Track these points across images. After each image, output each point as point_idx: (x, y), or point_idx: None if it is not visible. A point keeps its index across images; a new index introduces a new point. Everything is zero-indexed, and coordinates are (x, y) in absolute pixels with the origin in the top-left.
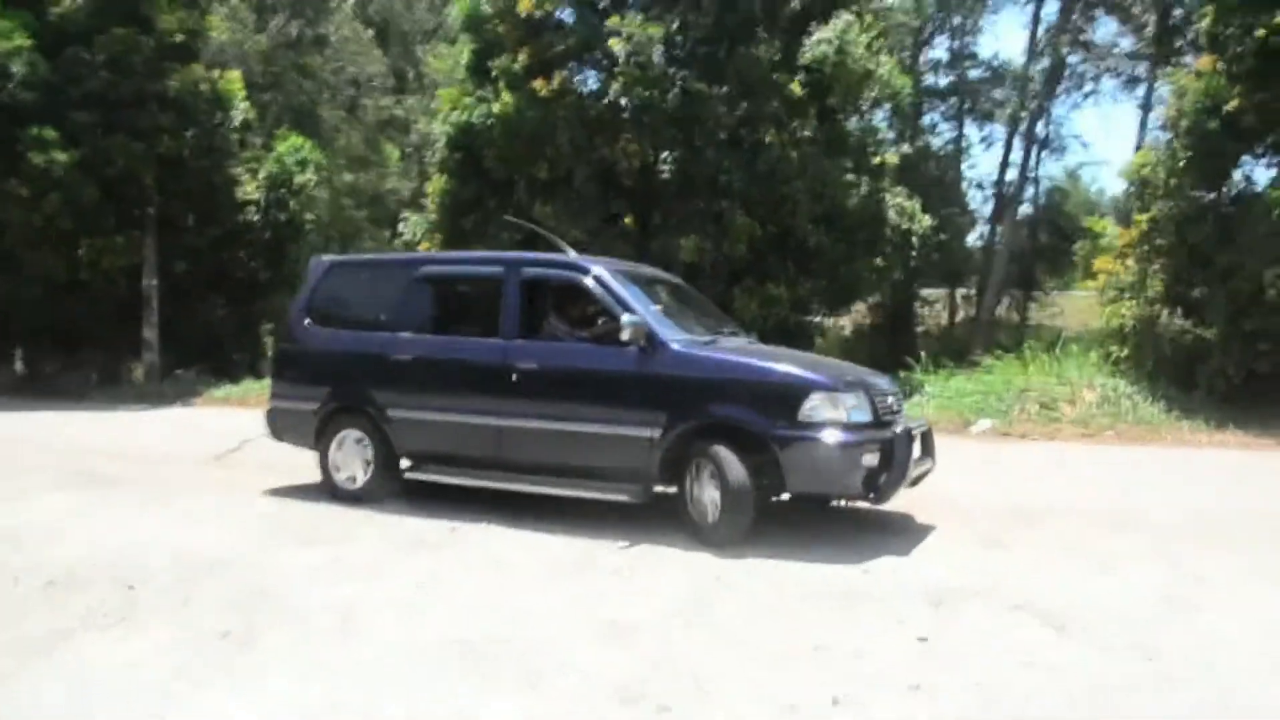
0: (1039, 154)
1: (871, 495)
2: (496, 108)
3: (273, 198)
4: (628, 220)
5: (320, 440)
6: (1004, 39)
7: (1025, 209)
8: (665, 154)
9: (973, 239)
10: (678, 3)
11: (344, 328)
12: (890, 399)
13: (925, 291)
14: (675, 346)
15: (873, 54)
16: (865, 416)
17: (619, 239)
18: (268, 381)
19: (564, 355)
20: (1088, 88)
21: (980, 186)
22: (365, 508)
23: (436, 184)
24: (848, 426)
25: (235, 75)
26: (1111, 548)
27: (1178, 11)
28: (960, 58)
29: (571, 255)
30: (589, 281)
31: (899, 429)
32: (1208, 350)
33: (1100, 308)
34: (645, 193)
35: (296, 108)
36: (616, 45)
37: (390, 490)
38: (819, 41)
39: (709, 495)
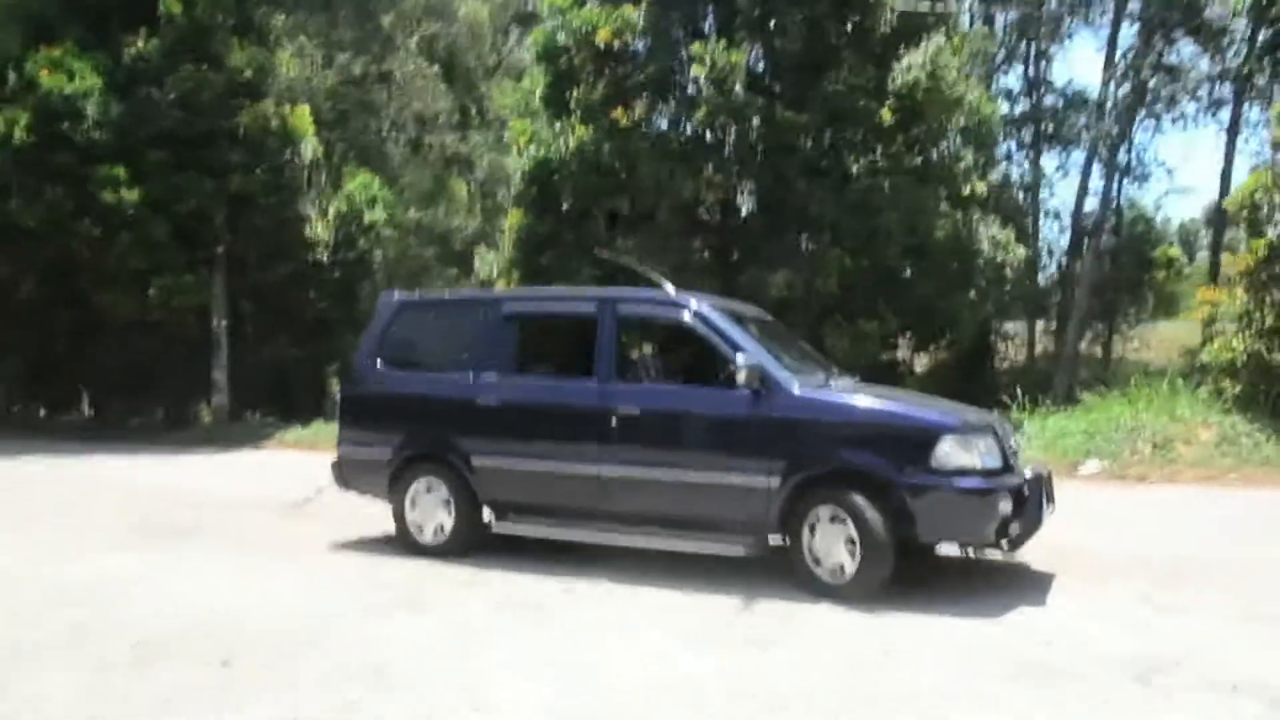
0: (1120, 182)
1: (1004, 544)
2: (574, 141)
3: (342, 236)
4: (710, 255)
5: (394, 491)
6: (1076, 66)
7: (1106, 239)
8: (750, 185)
9: (1050, 270)
10: (762, 29)
11: (419, 369)
12: (1013, 441)
13: (1002, 326)
14: (792, 389)
15: (964, 79)
16: (996, 461)
17: (704, 275)
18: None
19: (669, 398)
20: (1172, 113)
21: (1057, 216)
22: (456, 564)
23: (513, 219)
24: (981, 473)
25: (304, 110)
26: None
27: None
28: (1035, 84)
29: (671, 291)
30: (692, 319)
31: (1029, 473)
32: None
33: (1205, 341)
34: (730, 226)
35: (363, 145)
36: (699, 72)
37: (472, 544)
38: (910, 67)
39: (835, 547)
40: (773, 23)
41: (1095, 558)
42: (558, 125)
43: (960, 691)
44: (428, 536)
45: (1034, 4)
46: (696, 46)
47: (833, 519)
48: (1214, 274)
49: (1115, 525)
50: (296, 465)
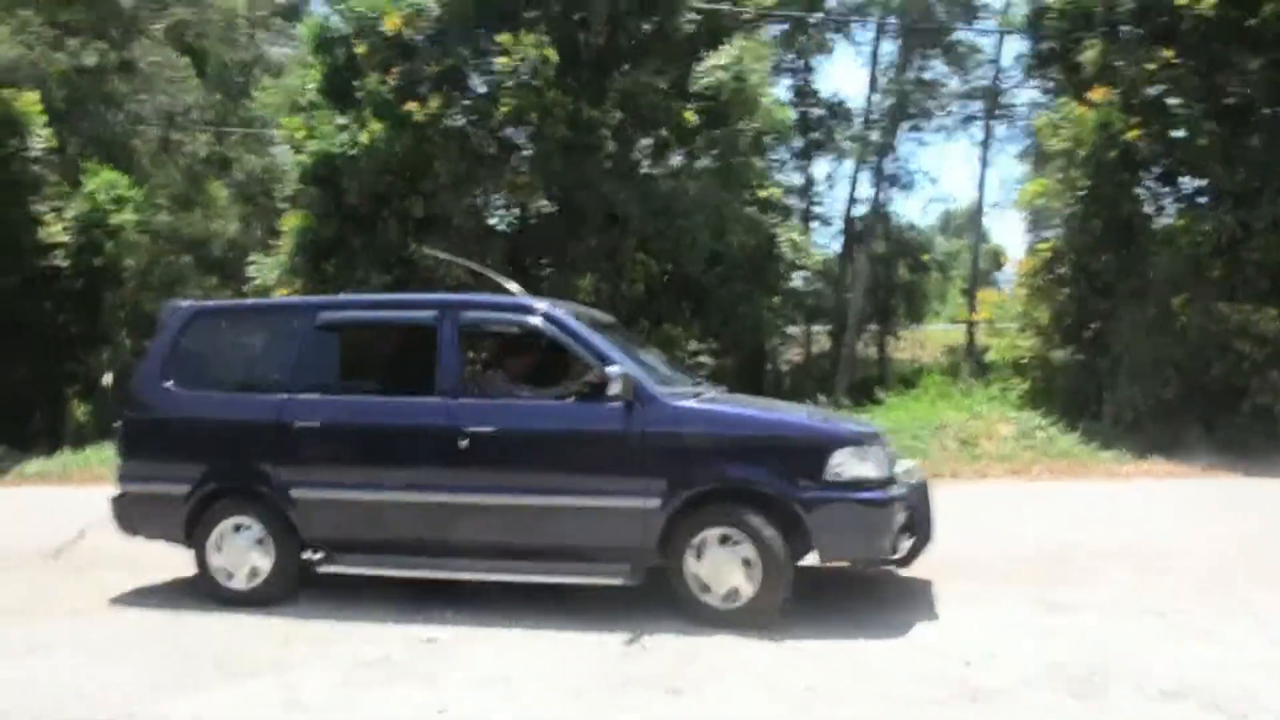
0: (886, 190)
1: (898, 558)
2: (364, 136)
3: (83, 240)
4: (511, 259)
5: (195, 532)
6: (839, 79)
7: (877, 244)
8: (554, 187)
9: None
10: (565, 23)
11: (219, 389)
12: (892, 449)
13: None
14: (669, 400)
15: (764, 83)
16: (886, 471)
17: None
18: (90, 454)
19: (528, 416)
20: (932, 125)
21: (828, 223)
22: (277, 614)
23: (291, 222)
24: (877, 483)
25: (31, 96)
26: (1172, 601)
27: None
28: (803, 94)
29: (520, 295)
30: (548, 326)
31: (914, 481)
32: (1113, 380)
33: (991, 339)
34: (531, 229)
35: (105, 140)
36: (505, 64)
37: (292, 589)
38: (713, 68)
39: (728, 571)
40: (577, 16)
41: (961, 560)
42: (340, 120)
43: None
44: (239, 583)
45: (801, 22)
46: (504, 37)
47: (724, 540)
48: (973, 278)
49: (961, 524)
50: (47, 504)
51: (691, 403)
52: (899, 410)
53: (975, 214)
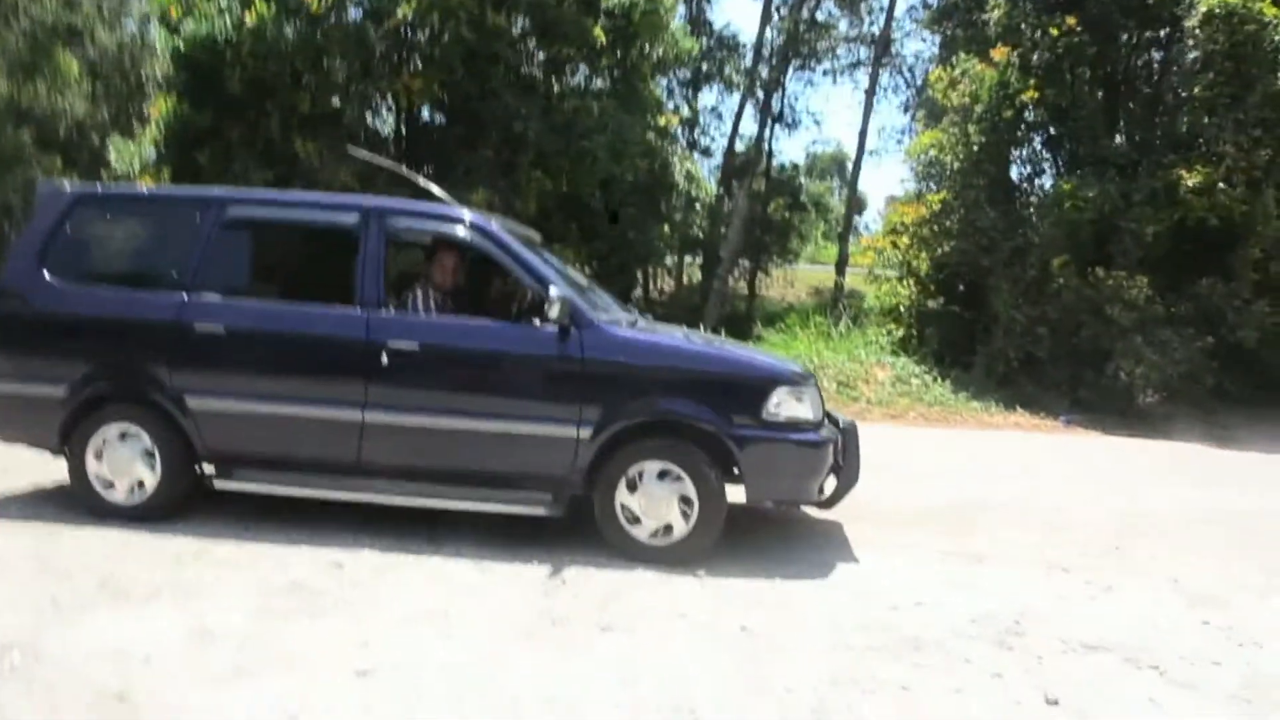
0: (773, 128)
1: (822, 500)
2: (250, 19)
3: None
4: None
5: (72, 439)
6: (732, 11)
7: (757, 181)
8: (451, 94)
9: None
10: None
11: (107, 285)
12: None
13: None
14: (608, 328)
15: (673, 6)
16: (819, 413)
17: (394, 186)
18: None
19: (456, 333)
20: (821, 66)
21: (708, 154)
22: (168, 532)
23: (161, 107)
24: (811, 425)
25: None
26: (1073, 557)
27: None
28: (696, 25)
29: (453, 204)
30: (482, 240)
31: (843, 424)
32: (986, 334)
33: (869, 285)
34: (422, 136)
35: None
36: None
37: (179, 505)
38: None
39: (662, 506)
40: None
41: (862, 504)
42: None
43: (844, 675)
44: (120, 496)
45: None
46: None
47: (662, 475)
48: (848, 222)
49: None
50: None
51: (629, 333)
52: (778, 348)
53: (855, 159)
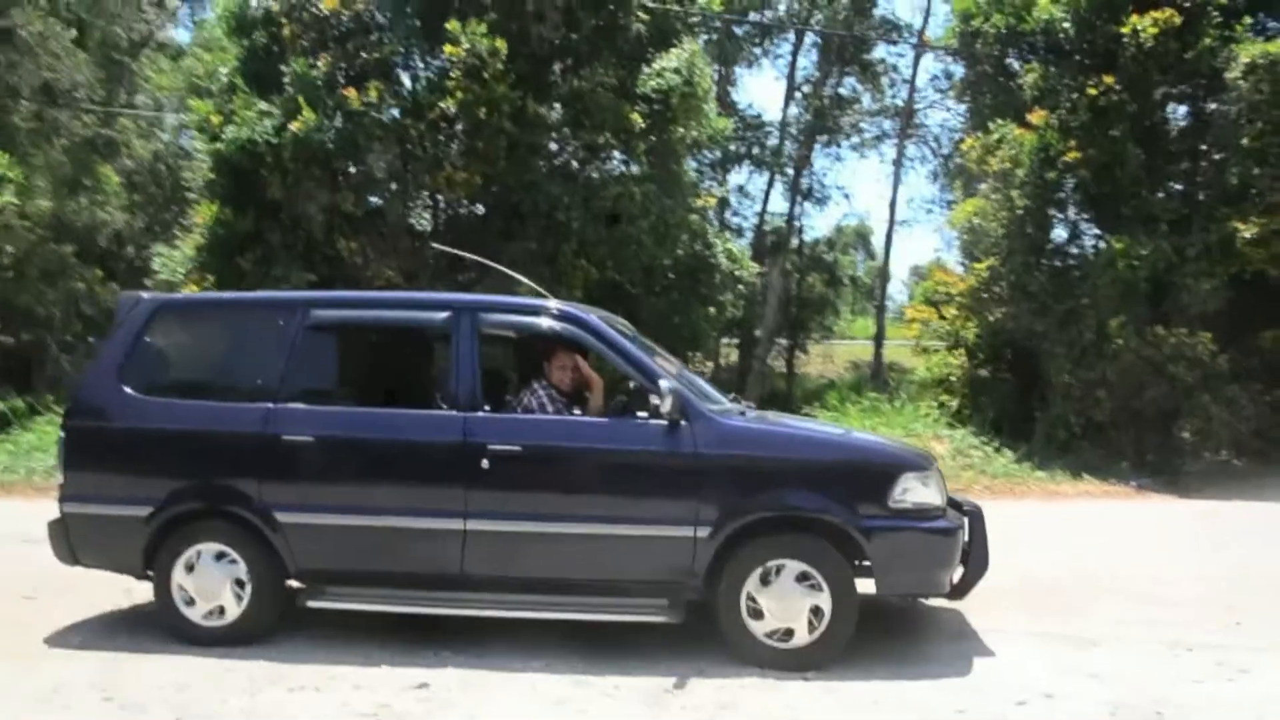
0: (801, 203)
1: (953, 591)
2: (295, 124)
3: None
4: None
5: (157, 560)
6: (755, 92)
7: (791, 257)
8: (494, 186)
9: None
10: (518, 15)
11: (188, 396)
12: None
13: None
14: (721, 419)
15: (711, 90)
16: (944, 498)
17: (437, 281)
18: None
19: (560, 433)
20: (849, 141)
21: (740, 233)
22: (248, 656)
23: (204, 214)
24: (940, 512)
25: None
26: (1190, 634)
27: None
28: (721, 105)
29: (549, 299)
30: (585, 335)
31: (967, 508)
32: (1044, 401)
33: (917, 356)
34: (466, 228)
35: None
36: (454, 54)
37: (268, 627)
38: (662, 70)
39: (789, 606)
40: (530, 7)
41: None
42: (262, 105)
43: None
44: (210, 618)
45: (722, 30)
46: (452, 24)
47: (801, 577)
48: (882, 295)
49: None
50: None
51: (742, 423)
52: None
53: (887, 232)
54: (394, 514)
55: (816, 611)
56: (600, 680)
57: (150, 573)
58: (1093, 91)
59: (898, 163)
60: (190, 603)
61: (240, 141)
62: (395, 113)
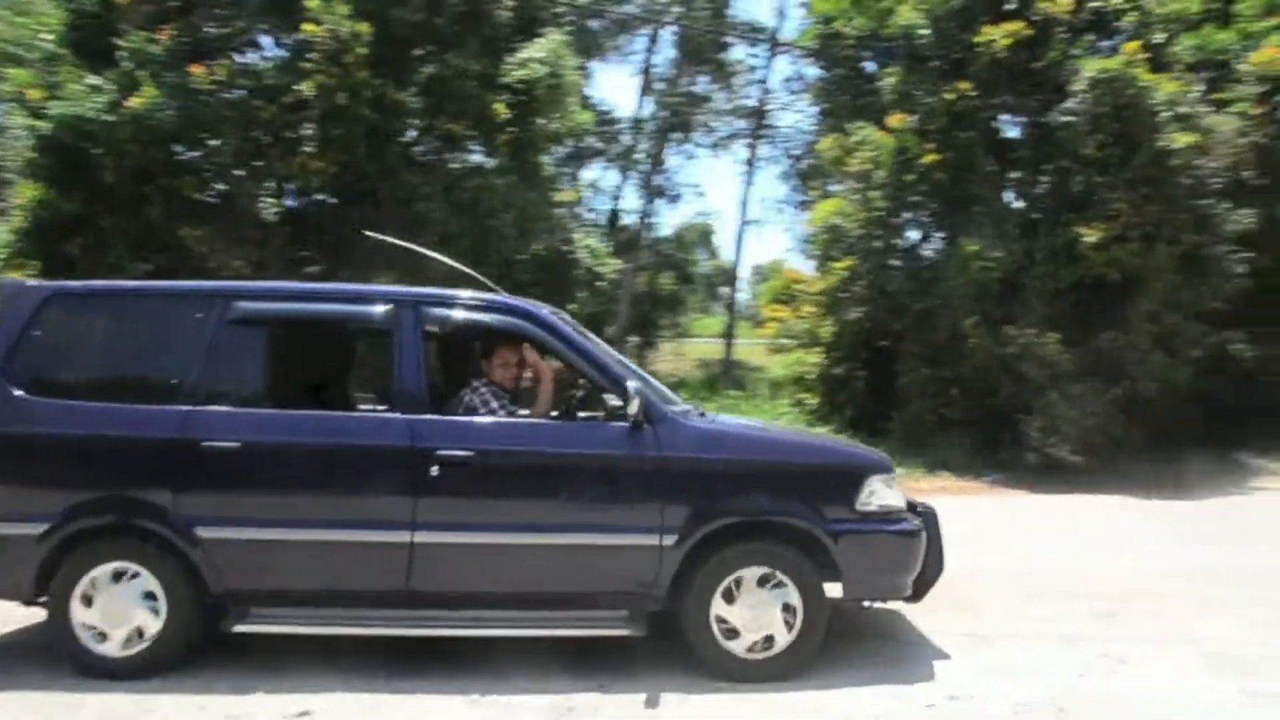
0: (653, 201)
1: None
2: (134, 101)
3: None
4: (293, 252)
5: (53, 584)
6: (607, 88)
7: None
8: (351, 176)
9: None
10: None
11: (88, 398)
12: None
13: None
14: (685, 421)
15: (576, 82)
16: (904, 500)
17: (288, 274)
18: None
19: (516, 436)
20: (701, 139)
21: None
22: (171, 690)
23: (26, 193)
24: (903, 514)
25: None
26: (1083, 624)
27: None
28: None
29: (501, 293)
30: (541, 332)
31: (921, 509)
32: (901, 397)
33: (772, 355)
34: (318, 218)
35: None
36: (315, 31)
37: (186, 652)
38: (528, 60)
39: (765, 616)
40: None
41: None
42: (93, 80)
43: None
44: (115, 648)
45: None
46: (314, 3)
47: (763, 581)
48: (733, 293)
49: None
50: None
51: (706, 424)
52: None
53: (739, 231)
54: (332, 527)
55: (788, 616)
56: (499, 699)
57: (42, 599)
58: (949, 96)
59: (750, 162)
60: (93, 630)
61: (68, 119)
62: (244, 93)
